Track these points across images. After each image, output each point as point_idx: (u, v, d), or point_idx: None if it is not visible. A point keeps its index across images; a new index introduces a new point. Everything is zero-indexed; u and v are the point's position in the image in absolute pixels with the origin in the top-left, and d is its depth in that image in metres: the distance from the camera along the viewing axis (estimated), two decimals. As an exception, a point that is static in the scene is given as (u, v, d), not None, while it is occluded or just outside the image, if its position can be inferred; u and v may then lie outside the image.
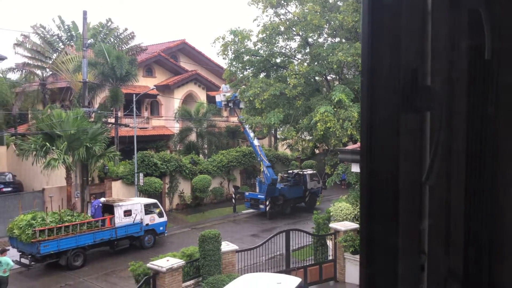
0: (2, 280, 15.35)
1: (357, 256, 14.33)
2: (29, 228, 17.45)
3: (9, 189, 26.86)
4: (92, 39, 31.43)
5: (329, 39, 27.02)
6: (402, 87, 0.92)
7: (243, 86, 27.79)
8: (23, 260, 17.95)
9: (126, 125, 29.16)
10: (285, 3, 26.41)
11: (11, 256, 16.99)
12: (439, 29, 0.98)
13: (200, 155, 33.15)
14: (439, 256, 1.08)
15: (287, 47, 27.87)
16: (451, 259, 1.11)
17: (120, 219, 20.08)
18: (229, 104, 30.68)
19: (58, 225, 18.04)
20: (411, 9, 0.95)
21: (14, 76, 34.96)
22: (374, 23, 0.94)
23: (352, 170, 18.78)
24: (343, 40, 25.29)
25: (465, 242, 1.14)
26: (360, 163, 0.95)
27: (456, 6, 1.02)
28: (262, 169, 27.89)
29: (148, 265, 13.56)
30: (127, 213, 20.44)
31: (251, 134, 29.31)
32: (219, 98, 31.41)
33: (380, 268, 1.00)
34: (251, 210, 28.13)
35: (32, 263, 17.85)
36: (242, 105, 30.64)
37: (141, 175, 26.10)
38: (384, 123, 0.93)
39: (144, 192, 26.20)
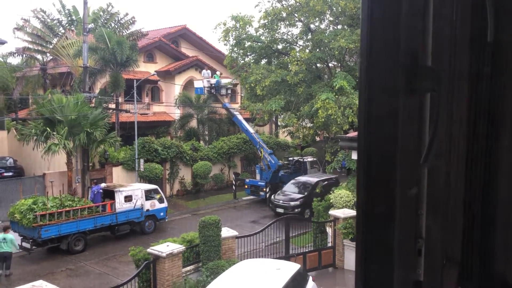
0: (7, 256, 15.73)
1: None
2: (30, 213, 17.53)
3: (10, 173, 26.94)
4: (92, 24, 31.25)
5: (331, 25, 26.83)
6: (402, 67, 0.90)
7: (245, 73, 27.67)
8: (25, 244, 18.07)
9: (127, 111, 29.11)
10: (287, -11, 26.18)
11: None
12: (441, 9, 0.96)
13: (201, 142, 33.15)
14: (436, 241, 1.07)
15: (289, 33, 27.75)
16: (448, 243, 1.11)
17: (120, 204, 20.16)
18: (212, 91, 30.21)
19: (59, 210, 18.11)
20: None
21: (14, 60, 34.88)
22: (375, 2, 0.92)
23: (353, 157, 18.80)
24: (345, 27, 25.12)
25: (463, 226, 1.13)
26: (358, 144, 0.94)
27: None
28: (262, 156, 27.85)
29: (148, 250, 13.64)
30: (128, 198, 20.51)
31: (244, 122, 28.98)
32: (199, 84, 30.83)
33: (377, 253, 1.00)
34: (251, 197, 28.22)
35: (33, 247, 17.98)
36: (224, 92, 30.44)
37: (141, 161, 26.14)
38: (383, 104, 0.92)
39: (144, 178, 26.25)
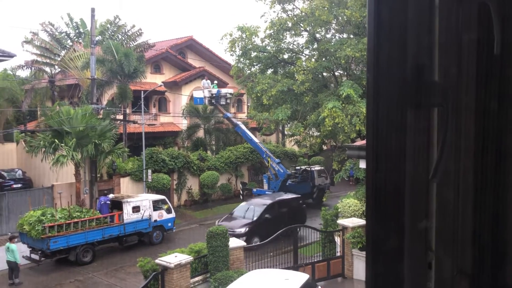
0: (13, 265, 15.97)
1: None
2: (39, 224, 17.61)
3: (19, 185, 27.10)
4: (100, 36, 31.57)
5: (337, 34, 26.91)
6: (408, 83, 0.91)
7: (251, 82, 27.77)
8: (33, 256, 18.13)
9: (134, 122, 29.27)
10: (292, -1, 26.33)
11: (22, 252, 17.25)
12: (447, 23, 0.97)
13: (208, 152, 33.21)
14: (447, 254, 1.06)
15: (295, 43, 27.82)
16: (459, 256, 1.10)
17: (128, 215, 20.20)
18: (213, 101, 29.70)
19: (67, 221, 18.18)
20: (417, 2, 0.93)
21: (23, 73, 35.23)
22: (380, 17, 0.92)
23: (360, 166, 18.73)
24: (351, 36, 25.18)
25: (473, 239, 1.13)
26: (366, 160, 0.94)
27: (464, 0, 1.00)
28: (269, 166, 27.74)
29: (157, 261, 13.63)
30: (136, 209, 20.55)
31: (247, 131, 28.58)
32: (199, 94, 30.14)
33: (387, 266, 0.99)
34: (259, 207, 28.09)
35: (42, 258, 18.02)
36: (223, 102, 30.05)
37: (149, 171, 26.21)
38: (390, 120, 0.92)
39: (152, 188, 26.30)
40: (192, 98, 33.97)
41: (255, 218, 20.38)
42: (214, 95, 29.55)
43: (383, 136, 0.93)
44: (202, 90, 30.20)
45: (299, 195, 23.42)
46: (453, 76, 0.98)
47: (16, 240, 17.14)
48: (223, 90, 30.72)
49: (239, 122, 29.32)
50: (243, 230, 19.59)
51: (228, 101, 31.38)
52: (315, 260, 16.42)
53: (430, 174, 0.92)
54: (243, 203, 22.19)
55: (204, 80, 31.36)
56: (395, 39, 0.92)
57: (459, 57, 0.99)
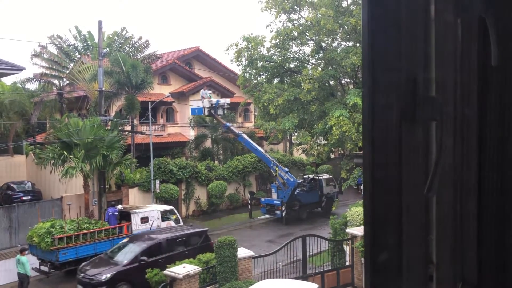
0: (23, 277, 16.05)
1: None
2: (48, 236, 17.69)
3: (29, 197, 27.27)
4: (107, 48, 31.83)
5: (343, 43, 26.96)
6: (404, 97, 0.91)
7: (257, 92, 27.82)
8: (43, 268, 18.19)
9: (142, 133, 29.42)
10: (298, 8, 26.46)
11: (32, 264, 17.31)
12: (443, 36, 0.97)
13: (216, 161, 33.25)
14: (448, 266, 1.06)
15: (301, 52, 27.88)
16: (460, 268, 1.09)
17: (137, 226, 20.23)
18: (212, 111, 28.48)
19: (76, 233, 18.24)
20: (412, 16, 0.94)
21: (32, 86, 35.63)
22: (375, 32, 0.93)
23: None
24: (357, 44, 25.21)
25: (476, 250, 1.12)
26: (363, 174, 0.94)
27: (460, 12, 1.00)
28: (276, 175, 27.44)
29: (165, 272, 13.63)
30: (144, 220, 20.58)
31: (251, 141, 27.88)
32: (197, 104, 28.97)
33: (387, 279, 0.99)
34: (267, 216, 28.05)
35: (52, 270, 18.06)
36: (220, 112, 29.17)
37: (157, 182, 26.28)
38: (386, 134, 0.92)
39: (160, 198, 26.36)
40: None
41: (125, 262, 16.17)
42: (213, 105, 28.46)
43: (380, 150, 0.93)
44: (200, 100, 29.00)
45: (206, 229, 19.91)
46: (449, 89, 0.98)
47: (26, 252, 17.23)
48: (221, 100, 29.70)
49: (241, 132, 28.75)
50: (103, 277, 15.62)
51: (225, 111, 30.58)
52: (325, 270, 16.32)
53: (425, 189, 0.92)
54: (125, 240, 18.08)
55: (202, 90, 30.47)
56: (390, 52, 0.93)
57: (456, 70, 0.99)
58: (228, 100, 30.54)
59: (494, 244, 1.11)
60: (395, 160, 0.91)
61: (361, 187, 28.37)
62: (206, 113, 28.80)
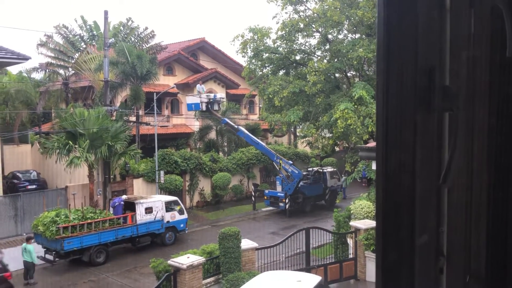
0: (29, 266, 16.19)
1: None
2: (53, 225, 17.81)
3: (34, 186, 27.44)
4: (113, 39, 31.82)
5: (349, 35, 26.81)
6: (419, 87, 0.90)
7: (263, 84, 27.76)
8: (48, 256, 18.35)
9: (147, 124, 29.45)
10: (304, 0, 26.29)
11: (37, 252, 17.46)
12: (458, 27, 0.96)
13: (220, 153, 33.28)
14: (459, 259, 1.05)
15: (307, 44, 27.77)
16: (471, 261, 1.09)
17: (141, 216, 20.32)
18: (209, 105, 28.42)
19: (81, 222, 18.35)
20: (428, 6, 0.93)
21: (38, 75, 35.72)
22: (390, 21, 0.92)
23: (373, 167, 18.61)
24: (363, 36, 25.06)
25: (486, 243, 1.11)
26: (376, 165, 0.94)
27: (476, 2, 0.99)
28: (280, 168, 27.34)
29: (169, 262, 13.69)
30: (148, 210, 20.67)
31: (251, 135, 27.70)
32: (193, 100, 28.83)
33: (398, 272, 0.99)
34: (270, 208, 28.10)
35: (56, 259, 18.23)
36: (216, 107, 28.93)
37: (162, 172, 26.35)
38: (400, 124, 0.91)
39: (165, 189, 26.44)
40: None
41: None
42: (211, 100, 28.35)
43: (393, 140, 0.92)
44: (197, 96, 28.98)
45: None
46: (464, 79, 0.97)
47: (32, 240, 17.38)
48: (218, 95, 29.59)
49: (240, 127, 28.38)
50: None
51: (221, 106, 30.30)
52: (328, 262, 16.35)
53: (440, 179, 0.91)
54: None
55: (199, 85, 30.50)
56: (405, 42, 0.91)
57: (471, 60, 0.98)
58: (223, 95, 30.30)
59: (505, 237, 1.10)
60: (409, 150, 0.90)
61: (366, 180, 28.33)
62: (204, 108, 28.63)
